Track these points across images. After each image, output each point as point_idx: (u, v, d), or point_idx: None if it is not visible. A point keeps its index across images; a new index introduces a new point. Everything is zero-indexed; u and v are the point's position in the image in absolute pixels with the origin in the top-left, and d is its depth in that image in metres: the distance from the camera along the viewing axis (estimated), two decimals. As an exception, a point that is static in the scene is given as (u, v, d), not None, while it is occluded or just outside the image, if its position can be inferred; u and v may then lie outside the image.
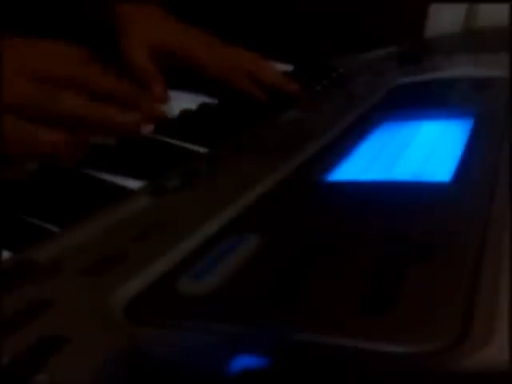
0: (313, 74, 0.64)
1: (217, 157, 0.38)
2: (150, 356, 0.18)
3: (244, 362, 0.16)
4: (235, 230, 0.26)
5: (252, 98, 0.53)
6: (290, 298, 0.20)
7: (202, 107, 0.52)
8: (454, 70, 0.53)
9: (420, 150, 0.36)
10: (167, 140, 0.43)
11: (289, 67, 0.69)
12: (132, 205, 0.31)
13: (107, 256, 0.25)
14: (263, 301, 0.20)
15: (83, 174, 0.37)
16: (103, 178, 0.36)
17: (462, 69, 0.53)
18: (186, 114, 0.49)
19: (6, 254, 0.27)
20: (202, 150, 0.42)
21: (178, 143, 0.43)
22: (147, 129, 0.45)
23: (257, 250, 0.24)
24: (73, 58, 0.41)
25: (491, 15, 0.67)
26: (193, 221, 0.27)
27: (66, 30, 0.47)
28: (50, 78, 0.38)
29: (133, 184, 0.35)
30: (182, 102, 0.52)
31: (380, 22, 0.72)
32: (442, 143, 0.37)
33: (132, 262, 0.24)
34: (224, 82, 0.55)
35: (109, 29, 0.54)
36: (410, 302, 0.19)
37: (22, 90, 0.37)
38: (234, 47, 0.58)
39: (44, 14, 0.49)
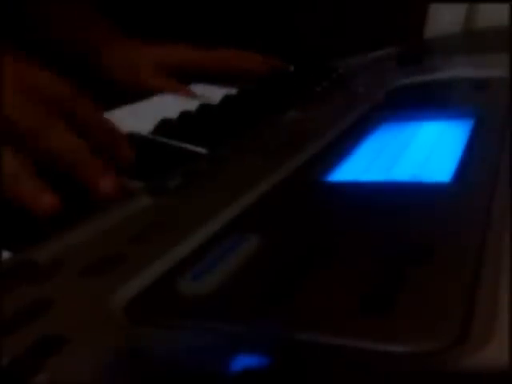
0: (313, 74, 0.64)
1: (217, 157, 0.38)
2: (150, 356, 0.18)
3: (244, 361, 0.16)
4: (235, 230, 0.26)
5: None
6: (290, 298, 0.20)
7: (202, 107, 0.52)
8: (454, 70, 0.53)
9: (420, 151, 0.36)
10: (167, 140, 0.43)
11: (289, 67, 0.69)
12: (132, 205, 0.31)
13: (107, 256, 0.25)
14: (263, 301, 0.20)
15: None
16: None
17: (462, 69, 0.53)
18: (185, 114, 0.49)
19: (5, 254, 0.27)
20: (202, 150, 0.42)
21: (179, 144, 0.43)
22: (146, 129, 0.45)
23: (257, 250, 0.24)
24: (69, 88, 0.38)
25: (491, 15, 0.67)
26: (193, 221, 0.27)
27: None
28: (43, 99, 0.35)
29: (133, 184, 0.35)
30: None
31: (380, 23, 0.72)
32: (442, 144, 0.37)
33: (132, 262, 0.24)
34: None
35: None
36: (410, 302, 0.19)
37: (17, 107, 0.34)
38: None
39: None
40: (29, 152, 0.33)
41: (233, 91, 0.57)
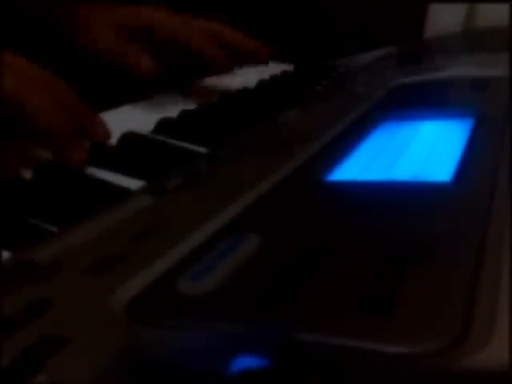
0: (313, 73, 0.64)
1: (217, 157, 0.38)
2: (150, 356, 0.18)
3: (244, 362, 0.16)
4: (235, 230, 0.26)
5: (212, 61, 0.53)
6: (290, 298, 0.20)
7: (202, 106, 0.52)
8: (454, 69, 0.53)
9: (420, 150, 0.36)
10: (167, 140, 0.43)
11: (289, 67, 0.69)
12: (132, 205, 0.31)
13: (107, 256, 0.25)
14: (263, 301, 0.20)
15: (83, 173, 0.37)
16: (103, 177, 0.36)
17: (462, 69, 0.53)
18: (185, 113, 0.49)
19: (5, 255, 0.27)
20: (201, 149, 0.42)
21: (178, 143, 0.43)
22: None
23: (257, 250, 0.24)
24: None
25: (491, 15, 0.67)
26: (193, 221, 0.27)
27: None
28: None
29: (133, 184, 0.35)
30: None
31: (380, 22, 0.72)
32: (442, 143, 0.37)
33: (132, 262, 0.24)
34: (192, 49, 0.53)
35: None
36: (409, 302, 0.19)
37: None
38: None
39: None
40: None
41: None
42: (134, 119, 0.46)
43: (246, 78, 0.62)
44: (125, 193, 0.34)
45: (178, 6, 0.58)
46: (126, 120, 0.46)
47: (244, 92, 0.58)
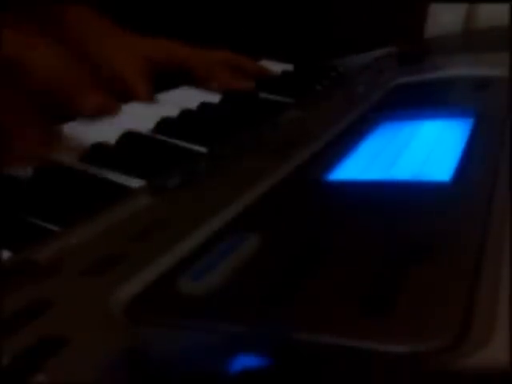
0: (313, 73, 0.64)
1: (217, 156, 0.38)
2: (150, 356, 0.18)
3: (244, 361, 0.16)
4: (235, 230, 0.26)
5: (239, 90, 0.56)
6: (290, 298, 0.20)
7: (202, 106, 0.52)
8: (454, 69, 0.53)
9: (420, 150, 0.36)
10: (167, 139, 0.43)
11: (289, 67, 0.69)
12: (132, 204, 0.31)
13: (107, 256, 0.25)
14: (263, 301, 0.20)
15: (83, 172, 0.37)
16: (103, 177, 0.36)
17: (462, 69, 0.53)
18: (186, 113, 0.49)
19: (5, 254, 0.27)
20: (202, 149, 0.42)
21: (179, 142, 0.43)
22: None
23: (257, 250, 0.24)
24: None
25: (491, 15, 0.67)
26: (193, 220, 0.27)
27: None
28: None
29: (133, 183, 0.35)
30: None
31: (380, 22, 0.72)
32: (442, 143, 0.37)
33: (132, 262, 0.24)
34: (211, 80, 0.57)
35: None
36: (410, 302, 0.19)
37: None
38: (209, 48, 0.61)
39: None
40: None
41: (217, 97, 0.56)
42: (134, 118, 0.46)
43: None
44: (125, 192, 0.34)
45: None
46: (126, 119, 0.46)
47: (244, 91, 0.58)
